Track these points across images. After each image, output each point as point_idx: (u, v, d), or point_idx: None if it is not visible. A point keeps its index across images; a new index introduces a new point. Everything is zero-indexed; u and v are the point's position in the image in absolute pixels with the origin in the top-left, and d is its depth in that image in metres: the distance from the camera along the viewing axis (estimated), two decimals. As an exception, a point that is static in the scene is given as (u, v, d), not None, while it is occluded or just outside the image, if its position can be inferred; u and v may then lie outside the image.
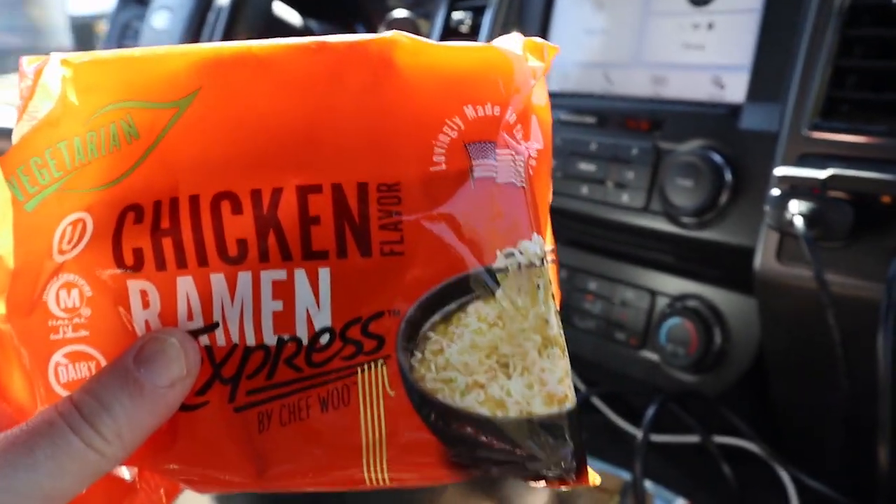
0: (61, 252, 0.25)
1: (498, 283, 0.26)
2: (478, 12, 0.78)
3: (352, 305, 0.26)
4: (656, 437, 0.66)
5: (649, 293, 0.64)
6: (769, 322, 0.55)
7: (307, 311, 0.26)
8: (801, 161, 0.49)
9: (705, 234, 0.57)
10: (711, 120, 0.57)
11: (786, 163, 0.50)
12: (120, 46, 1.15)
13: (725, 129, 0.56)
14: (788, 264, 0.50)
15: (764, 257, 0.52)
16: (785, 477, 0.58)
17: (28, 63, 0.26)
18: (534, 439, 0.26)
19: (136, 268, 0.25)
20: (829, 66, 0.50)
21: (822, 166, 0.47)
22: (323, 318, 0.26)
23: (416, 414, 0.26)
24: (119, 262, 0.25)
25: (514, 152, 0.27)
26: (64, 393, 0.26)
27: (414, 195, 0.25)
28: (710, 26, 0.60)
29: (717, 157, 0.55)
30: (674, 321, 0.60)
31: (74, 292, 0.26)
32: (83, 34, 1.60)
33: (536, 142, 0.28)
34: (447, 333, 0.26)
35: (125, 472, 0.28)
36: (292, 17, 0.92)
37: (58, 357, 0.26)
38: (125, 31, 1.15)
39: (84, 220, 0.25)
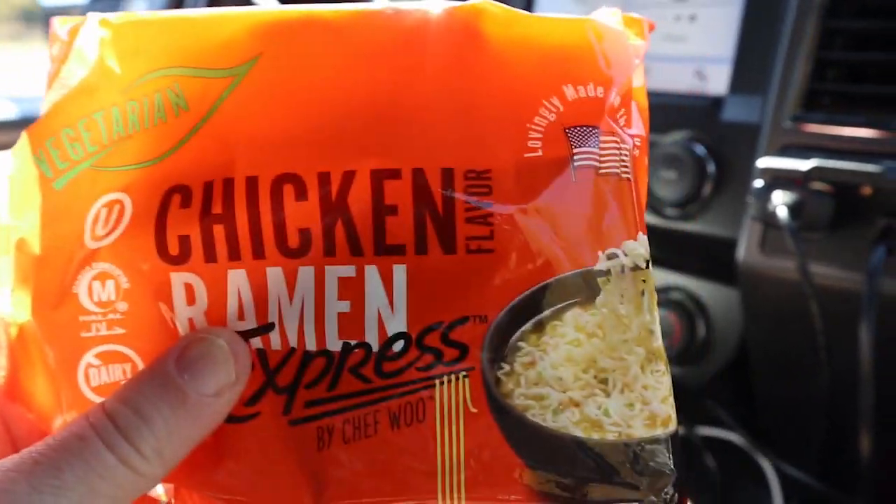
0: (95, 237, 0.22)
1: (599, 288, 0.23)
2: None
3: (431, 309, 0.22)
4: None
5: (632, 285, 0.64)
6: (752, 313, 0.55)
7: (379, 313, 0.22)
8: (783, 152, 0.50)
9: (688, 225, 0.57)
10: (693, 112, 0.57)
11: (768, 154, 0.50)
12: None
13: (708, 121, 0.56)
14: (771, 256, 0.50)
15: (747, 249, 0.52)
16: (767, 467, 0.58)
17: (61, 24, 0.23)
18: (633, 465, 0.23)
19: (182, 258, 0.22)
20: (810, 58, 0.50)
21: (804, 158, 0.47)
22: (397, 323, 0.22)
23: (501, 433, 0.23)
24: (162, 251, 0.22)
25: (619, 140, 0.24)
26: (95, 398, 0.23)
27: (506, 184, 0.22)
28: (692, 18, 0.60)
29: (699, 149, 0.55)
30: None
31: (110, 284, 0.22)
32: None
33: (638, 128, 0.25)
34: (540, 344, 0.23)
35: (160, 491, 0.25)
36: (273, 2, 0.91)
37: (89, 357, 0.23)
38: None
39: (122, 201, 0.22)
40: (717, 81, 0.59)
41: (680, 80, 0.61)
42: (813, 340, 0.47)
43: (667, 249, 0.63)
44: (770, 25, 0.54)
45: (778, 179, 0.47)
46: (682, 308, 0.59)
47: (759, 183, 0.48)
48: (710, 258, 0.58)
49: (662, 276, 0.63)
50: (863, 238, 0.45)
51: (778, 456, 0.55)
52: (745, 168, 0.53)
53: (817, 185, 0.45)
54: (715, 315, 0.59)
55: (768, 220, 0.46)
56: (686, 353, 0.59)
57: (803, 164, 0.45)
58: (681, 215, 0.57)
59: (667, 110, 0.59)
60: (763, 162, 0.48)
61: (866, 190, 0.45)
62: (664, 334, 0.59)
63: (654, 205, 0.58)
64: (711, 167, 0.55)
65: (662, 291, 0.62)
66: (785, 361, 0.54)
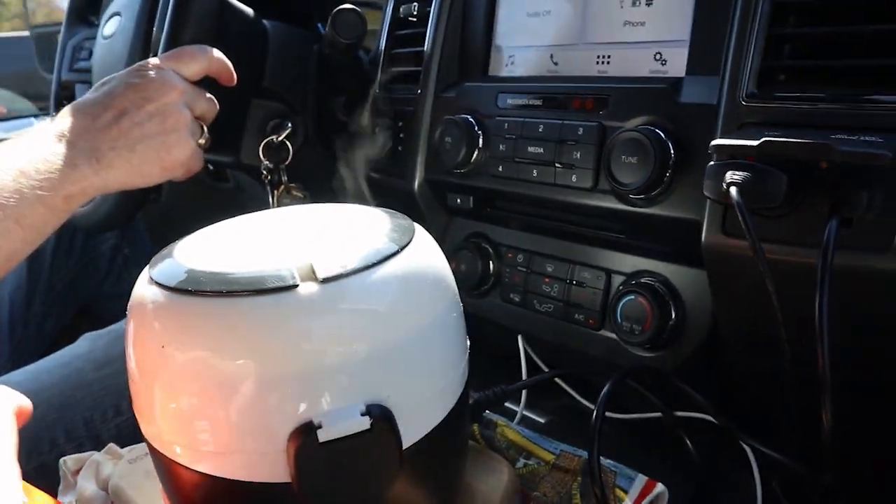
0: None
1: None
2: (425, 1, 0.77)
3: None
4: (618, 415, 0.66)
5: (605, 272, 0.64)
6: (720, 294, 0.55)
7: None
8: (740, 131, 0.49)
9: (654, 209, 0.57)
10: (654, 96, 0.57)
11: (725, 134, 0.50)
12: (72, 69, 1.14)
13: (667, 104, 0.56)
14: (733, 236, 0.50)
15: (710, 230, 0.52)
16: (746, 447, 0.58)
17: None
18: None
19: None
20: (763, 35, 0.50)
21: (760, 135, 0.47)
22: None
23: None
24: None
25: None
26: None
27: None
28: (649, 2, 0.60)
29: (660, 133, 0.55)
30: (629, 299, 0.60)
31: None
32: (45, 45, 1.58)
33: None
34: None
35: None
36: (244, 7, 0.89)
37: None
38: (77, 53, 1.13)
39: None
40: (677, 64, 0.59)
41: (641, 66, 0.61)
42: (776, 318, 0.47)
43: (635, 235, 0.62)
44: (724, 4, 0.54)
45: (733, 158, 0.47)
46: (653, 292, 0.59)
47: (713, 162, 0.48)
48: (678, 241, 0.58)
49: (632, 262, 0.62)
50: (817, 213, 0.45)
51: (754, 435, 0.55)
52: (705, 149, 0.53)
53: (770, 162, 0.45)
54: (686, 298, 0.59)
55: (721, 199, 0.46)
56: (659, 338, 0.59)
57: (754, 141, 0.45)
58: (645, 200, 0.57)
59: (628, 96, 0.59)
60: (717, 141, 0.48)
61: (823, 164, 0.45)
62: (637, 320, 0.59)
63: (619, 191, 0.58)
64: (673, 150, 0.55)
65: (633, 277, 0.62)
66: (753, 340, 0.54)
